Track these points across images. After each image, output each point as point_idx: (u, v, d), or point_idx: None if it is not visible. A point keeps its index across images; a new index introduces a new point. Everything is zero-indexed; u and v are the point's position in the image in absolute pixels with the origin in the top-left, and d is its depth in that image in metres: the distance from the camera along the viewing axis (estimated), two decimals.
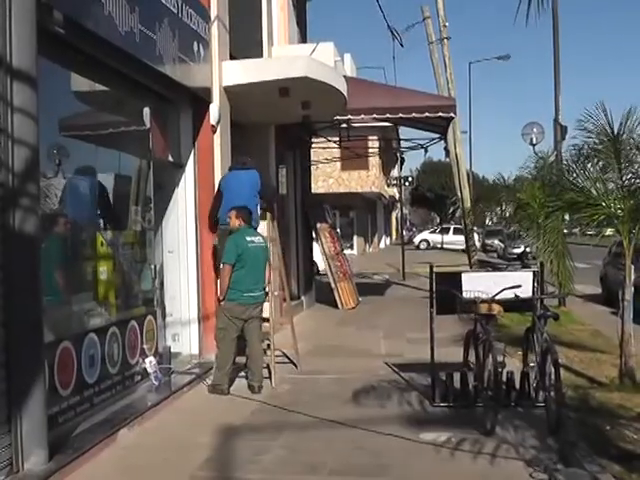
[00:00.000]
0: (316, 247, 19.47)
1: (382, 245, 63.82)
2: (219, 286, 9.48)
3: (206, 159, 10.84)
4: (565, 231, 11.95)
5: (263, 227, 10.37)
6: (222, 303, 9.31)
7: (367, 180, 46.17)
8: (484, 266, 24.84)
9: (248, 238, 9.30)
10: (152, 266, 9.60)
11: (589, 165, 9.79)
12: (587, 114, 9.35)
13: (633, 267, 9.29)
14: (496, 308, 7.97)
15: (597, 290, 19.56)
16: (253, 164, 10.85)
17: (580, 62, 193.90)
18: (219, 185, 10.71)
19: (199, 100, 10.69)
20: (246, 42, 13.72)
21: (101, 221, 8.43)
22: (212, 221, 10.63)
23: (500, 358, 7.53)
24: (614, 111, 9.30)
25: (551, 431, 7.14)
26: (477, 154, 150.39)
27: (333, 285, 18.29)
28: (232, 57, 11.82)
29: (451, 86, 23.00)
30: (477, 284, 8.36)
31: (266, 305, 9.97)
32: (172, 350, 9.95)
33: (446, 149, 23.95)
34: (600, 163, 9.61)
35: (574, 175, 10.06)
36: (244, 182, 10.36)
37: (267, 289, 9.67)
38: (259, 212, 10.65)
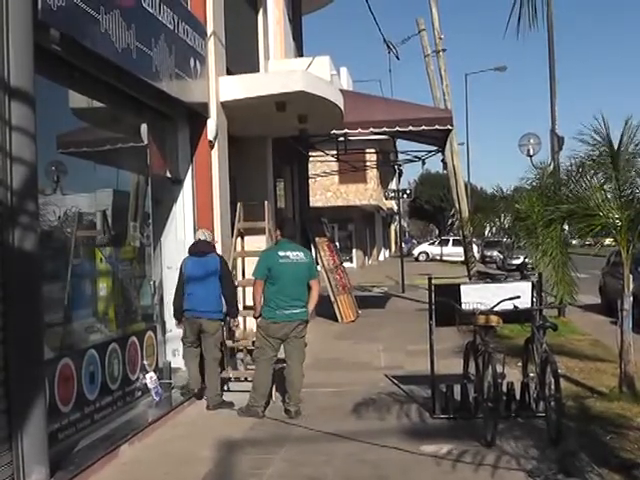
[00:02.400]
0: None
1: (381, 257, 63.84)
2: (253, 302, 9.03)
3: (204, 174, 10.86)
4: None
5: None
6: (258, 321, 8.97)
7: (365, 193, 46.22)
8: (483, 277, 24.88)
9: (281, 253, 8.82)
10: (151, 282, 9.61)
11: (587, 176, 9.82)
12: (585, 126, 9.39)
13: (631, 276, 9.30)
14: (495, 319, 7.96)
15: (596, 300, 19.60)
16: (210, 247, 9.80)
17: (577, 70, 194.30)
18: (180, 269, 9.71)
19: (196, 115, 10.73)
20: (243, 57, 13.79)
21: (100, 237, 8.44)
22: (175, 309, 9.65)
23: (500, 369, 7.54)
24: (612, 119, 9.35)
25: (551, 441, 7.15)
26: (475, 165, 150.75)
27: (332, 298, 18.28)
28: (229, 72, 11.87)
29: (447, 98, 23.10)
30: (476, 295, 8.37)
31: None
32: (172, 365, 9.95)
33: (444, 161, 24.00)
34: (599, 175, 9.64)
35: (572, 186, 10.10)
36: (199, 269, 9.51)
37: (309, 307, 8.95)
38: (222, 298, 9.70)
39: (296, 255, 8.86)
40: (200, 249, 9.60)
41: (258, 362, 8.95)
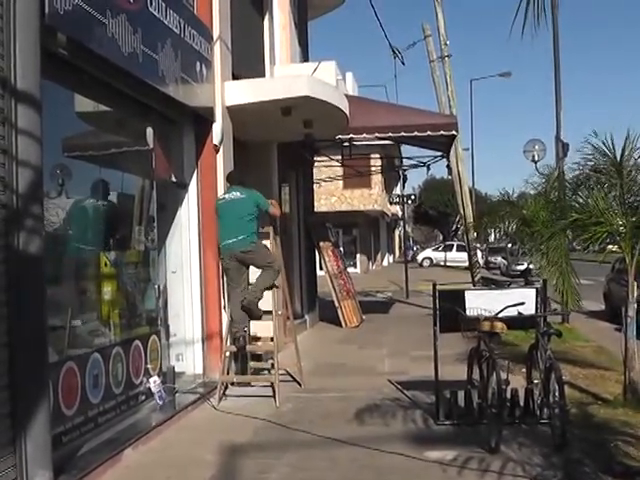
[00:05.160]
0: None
1: (385, 263, 63.81)
2: None
3: (209, 179, 10.86)
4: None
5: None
6: None
7: (370, 198, 46.28)
8: (487, 283, 24.82)
9: (221, 196, 10.51)
10: (156, 286, 9.60)
11: (591, 185, 9.83)
12: (589, 136, 9.42)
13: (636, 283, 9.29)
14: (499, 326, 7.96)
15: (600, 306, 19.56)
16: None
17: (583, 77, 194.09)
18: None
19: (202, 120, 10.74)
20: (248, 62, 13.80)
21: (105, 241, 8.44)
22: None
23: (504, 375, 7.52)
24: (619, 127, 9.36)
25: (556, 448, 7.13)
26: (480, 171, 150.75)
27: (337, 303, 18.27)
28: (235, 77, 11.88)
29: (452, 104, 23.05)
30: (480, 301, 8.36)
31: (270, 324, 10.00)
32: (176, 370, 9.94)
33: (448, 167, 23.94)
34: (603, 183, 9.64)
35: (577, 194, 10.10)
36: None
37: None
38: None
39: (233, 195, 10.26)
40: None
41: (228, 294, 10.47)
